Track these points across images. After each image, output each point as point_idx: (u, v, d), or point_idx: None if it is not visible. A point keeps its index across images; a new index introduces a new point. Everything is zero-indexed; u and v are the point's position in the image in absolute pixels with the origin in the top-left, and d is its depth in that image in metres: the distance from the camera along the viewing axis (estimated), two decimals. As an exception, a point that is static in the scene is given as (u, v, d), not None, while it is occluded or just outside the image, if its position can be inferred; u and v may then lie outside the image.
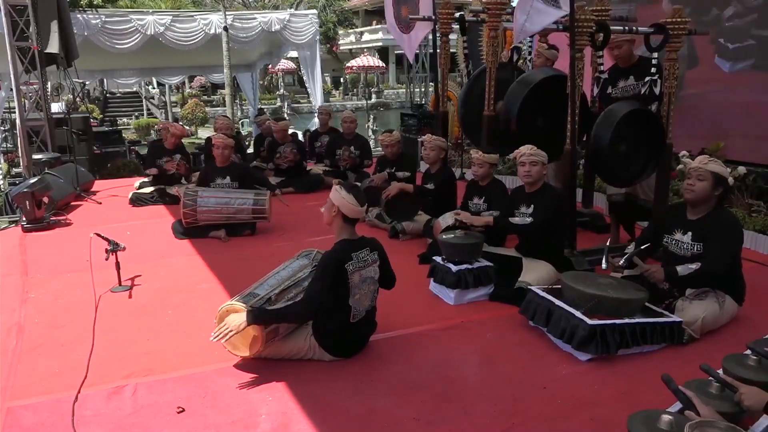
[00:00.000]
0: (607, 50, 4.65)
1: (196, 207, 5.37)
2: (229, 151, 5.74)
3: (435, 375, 3.05)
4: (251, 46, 12.73)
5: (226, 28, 11.84)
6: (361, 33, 38.53)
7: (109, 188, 7.93)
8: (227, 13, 12.22)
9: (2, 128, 12.31)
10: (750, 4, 6.20)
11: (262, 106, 21.88)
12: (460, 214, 4.41)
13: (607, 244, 3.77)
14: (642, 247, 3.53)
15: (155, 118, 24.71)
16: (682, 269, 3.34)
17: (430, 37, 6.83)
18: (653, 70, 4.40)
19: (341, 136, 7.71)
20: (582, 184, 5.20)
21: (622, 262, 3.46)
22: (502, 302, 3.90)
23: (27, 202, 5.85)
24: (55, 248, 5.37)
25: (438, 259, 4.12)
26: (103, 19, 10.46)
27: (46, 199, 6.06)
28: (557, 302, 3.34)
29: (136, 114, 26.67)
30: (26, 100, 8.06)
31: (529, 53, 5.72)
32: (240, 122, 20.24)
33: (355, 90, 36.06)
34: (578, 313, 3.16)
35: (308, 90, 14.02)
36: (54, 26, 7.92)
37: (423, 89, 15.40)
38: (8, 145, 11.68)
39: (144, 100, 27.78)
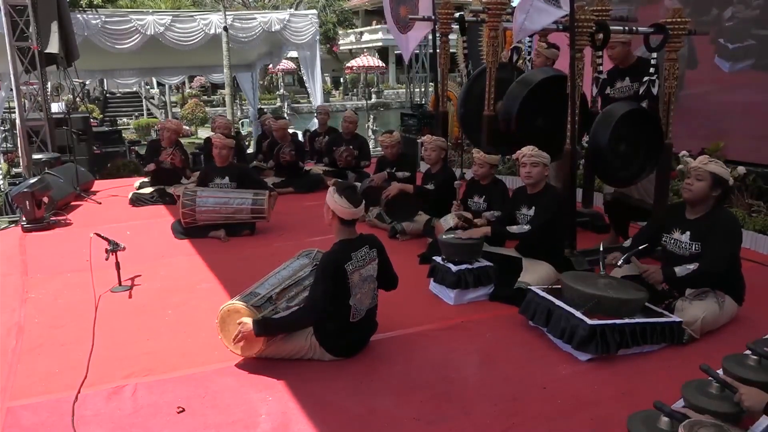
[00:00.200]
0: (607, 50, 4.65)
1: (195, 207, 5.37)
2: (227, 151, 5.73)
3: (435, 375, 3.05)
4: (251, 46, 12.72)
5: (226, 28, 11.83)
6: (361, 33, 38.54)
7: (109, 188, 7.92)
8: (227, 13, 12.20)
9: (2, 128, 12.31)
10: (750, 4, 6.20)
11: (262, 106, 21.90)
12: (460, 214, 4.40)
13: (601, 245, 3.76)
14: (640, 247, 3.52)
15: (155, 118, 24.73)
16: (680, 270, 3.34)
17: (430, 37, 6.83)
18: (651, 70, 4.40)
19: (340, 135, 7.71)
20: (582, 184, 5.20)
21: (620, 262, 3.46)
22: (502, 302, 3.90)
23: (27, 202, 5.85)
24: (55, 248, 5.37)
25: (438, 259, 4.12)
26: (103, 19, 10.46)
27: (46, 199, 6.05)
28: (557, 302, 3.34)
29: (136, 114, 26.68)
30: (26, 100, 8.06)
31: (529, 53, 5.71)
32: (240, 122, 20.23)
33: (355, 90, 36.07)
34: (578, 313, 3.17)
35: (308, 90, 14.01)
36: (54, 26, 7.93)
37: (423, 89, 15.39)
38: (8, 145, 11.68)
39: (144, 100, 27.79)
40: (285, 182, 7.33)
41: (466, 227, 4.30)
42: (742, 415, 2.26)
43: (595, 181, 5.31)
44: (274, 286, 3.20)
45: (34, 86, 8.01)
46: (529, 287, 3.68)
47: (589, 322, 3.10)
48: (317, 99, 13.07)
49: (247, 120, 20.23)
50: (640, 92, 4.52)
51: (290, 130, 7.92)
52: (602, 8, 4.69)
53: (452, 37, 5.80)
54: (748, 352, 2.57)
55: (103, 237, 4.24)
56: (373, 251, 3.19)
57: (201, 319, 3.64)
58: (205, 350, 3.31)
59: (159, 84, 27.29)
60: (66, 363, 3.21)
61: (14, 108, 9.08)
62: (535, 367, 3.12)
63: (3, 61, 8.48)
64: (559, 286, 3.51)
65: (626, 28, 4.53)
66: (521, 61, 5.67)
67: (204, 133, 21.29)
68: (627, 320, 3.17)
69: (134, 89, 25.77)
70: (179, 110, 26.83)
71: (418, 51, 13.95)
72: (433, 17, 5.81)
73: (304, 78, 14.09)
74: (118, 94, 28.51)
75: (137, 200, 6.89)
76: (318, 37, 12.92)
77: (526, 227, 4.04)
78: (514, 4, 4.85)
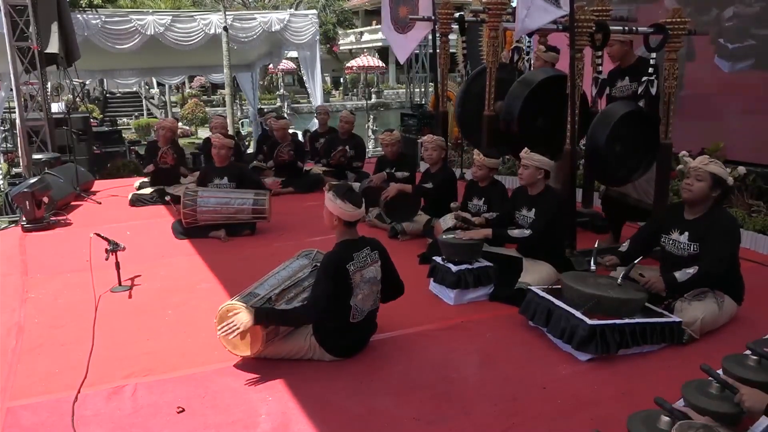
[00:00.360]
0: (606, 49, 4.65)
1: (196, 207, 5.37)
2: (226, 151, 5.72)
3: (435, 375, 3.05)
4: (251, 47, 12.71)
5: (226, 28, 11.83)
6: (361, 33, 38.54)
7: (109, 188, 7.92)
8: (227, 13, 12.20)
9: (2, 128, 12.31)
10: (750, 3, 6.20)
11: (262, 106, 21.89)
12: (459, 214, 4.40)
13: (596, 245, 3.76)
14: (635, 262, 3.47)
15: (155, 118, 24.70)
16: (680, 275, 3.33)
17: (430, 37, 6.83)
18: (650, 70, 4.41)
19: (337, 135, 7.71)
20: (582, 184, 5.20)
21: (619, 280, 3.41)
22: (502, 302, 3.90)
23: (27, 202, 5.85)
24: (55, 248, 5.37)
25: (438, 259, 4.11)
26: (103, 19, 10.45)
27: (46, 199, 6.05)
28: (557, 302, 3.34)
29: (136, 114, 26.68)
30: (26, 100, 8.06)
31: (528, 54, 5.72)
32: (240, 122, 20.23)
33: (355, 90, 36.08)
34: (578, 313, 3.16)
35: (308, 90, 14.00)
36: (54, 26, 7.93)
37: (423, 89, 15.40)
38: (8, 145, 11.68)
39: (144, 100, 27.79)
40: (285, 182, 7.34)
41: (465, 227, 4.30)
42: (742, 415, 2.26)
43: (595, 181, 5.32)
44: (274, 287, 3.20)
45: (34, 86, 8.01)
46: (529, 287, 3.68)
47: (589, 322, 3.10)
48: (317, 99, 13.06)
49: (247, 120, 20.23)
50: (638, 92, 4.53)
51: (290, 130, 7.92)
52: (602, 8, 4.70)
53: (452, 37, 5.81)
54: (748, 352, 2.57)
55: (103, 237, 4.24)
56: (374, 253, 3.20)
57: (201, 319, 3.64)
58: (205, 350, 3.31)
59: (159, 84, 27.29)
60: (66, 363, 3.21)
61: (14, 108, 9.08)
62: (535, 367, 3.12)
63: (3, 61, 8.48)
64: (559, 286, 3.51)
65: (626, 28, 4.53)
66: (520, 62, 5.67)
67: (204, 133, 21.29)
68: (627, 320, 3.17)
69: (134, 89, 25.76)
70: (179, 110, 26.84)
71: (418, 51, 13.95)
72: (433, 17, 5.82)
73: (304, 78, 14.09)
74: (118, 94, 28.51)
75: (137, 200, 6.90)
76: (318, 37, 12.92)
77: (527, 231, 4.03)
78: (514, 4, 4.85)
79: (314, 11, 14.37)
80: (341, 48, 38.43)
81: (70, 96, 9.93)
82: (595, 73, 4.79)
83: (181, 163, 7.18)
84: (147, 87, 28.09)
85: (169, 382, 3.00)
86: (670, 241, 3.50)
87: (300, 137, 10.58)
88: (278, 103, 28.89)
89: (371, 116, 18.74)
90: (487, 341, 3.43)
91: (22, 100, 8.00)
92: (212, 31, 11.59)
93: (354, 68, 30.55)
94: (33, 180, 6.11)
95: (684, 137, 5.74)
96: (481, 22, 5.56)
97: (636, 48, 4.76)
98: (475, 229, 4.27)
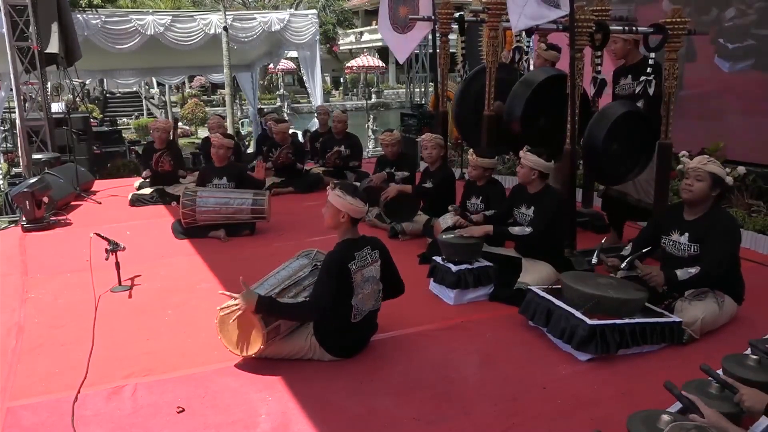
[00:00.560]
0: (607, 50, 4.65)
1: (195, 207, 5.37)
2: (224, 151, 5.73)
3: (435, 375, 3.05)
4: (251, 46, 12.71)
5: (226, 28, 11.83)
6: (361, 33, 38.54)
7: (109, 188, 7.92)
8: (227, 13, 12.20)
9: (2, 128, 12.31)
10: (750, 3, 6.20)
11: (262, 106, 21.89)
12: (458, 213, 4.41)
13: (602, 242, 3.76)
14: (644, 251, 3.50)
15: (155, 118, 24.71)
16: (681, 273, 3.33)
17: (430, 37, 6.83)
18: (649, 70, 4.41)
19: (333, 136, 7.70)
20: (582, 184, 5.20)
21: (623, 264, 3.44)
22: (502, 302, 3.90)
23: (27, 202, 5.85)
24: (55, 248, 5.37)
25: (438, 259, 4.11)
26: (103, 19, 10.45)
27: (46, 199, 6.05)
28: (557, 302, 3.34)
29: (136, 114, 26.67)
30: (26, 100, 8.06)
31: (526, 53, 5.71)
32: (240, 122, 20.24)
33: (354, 90, 36.08)
34: (578, 313, 3.16)
35: (308, 90, 14.00)
36: (54, 26, 7.92)
37: (423, 89, 15.39)
38: (8, 145, 11.68)
39: (144, 100, 27.77)
40: (285, 182, 7.33)
41: (464, 226, 4.30)
42: (742, 415, 2.26)
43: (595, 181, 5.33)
44: (274, 287, 3.19)
45: (34, 86, 8.01)
46: (529, 287, 3.68)
47: (589, 322, 3.10)
48: (317, 99, 13.06)
49: (247, 120, 20.23)
50: (636, 91, 4.53)
51: (290, 130, 7.92)
52: (602, 8, 4.69)
53: (452, 37, 5.81)
54: (748, 351, 2.57)
55: (103, 237, 4.24)
56: (375, 252, 3.20)
57: (201, 319, 3.64)
58: (205, 350, 3.31)
59: (159, 84, 27.27)
60: (66, 363, 3.21)
61: (14, 108, 9.08)
62: (535, 367, 3.12)
63: (3, 61, 8.48)
64: (559, 286, 3.51)
65: (626, 27, 4.53)
66: (519, 63, 5.67)
67: (204, 133, 21.28)
68: (627, 320, 3.17)
69: (134, 89, 25.74)
70: (179, 110, 26.82)
71: (417, 51, 13.94)
72: (433, 17, 5.82)
73: (304, 78, 14.09)
74: (118, 94, 28.51)
75: (137, 200, 6.90)
76: (318, 37, 12.92)
77: (528, 229, 4.03)
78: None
79: (314, 11, 14.36)
80: (341, 48, 38.43)
81: (70, 96, 9.95)
82: (594, 72, 4.79)
83: (178, 166, 7.18)
84: (147, 87, 28.07)
85: (169, 382, 3.00)
86: (671, 242, 3.50)
87: (300, 137, 10.59)
88: (278, 103, 28.89)
89: (371, 116, 18.74)
90: (487, 341, 3.43)
91: (22, 100, 7.99)
92: (212, 31, 11.60)
93: (354, 68, 30.56)
94: (33, 180, 6.11)
95: (684, 137, 5.75)
96: (481, 22, 5.55)
97: (641, 47, 4.75)
98: (475, 226, 4.27)
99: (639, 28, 4.46)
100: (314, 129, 9.56)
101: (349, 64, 31.26)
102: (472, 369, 3.18)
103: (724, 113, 6.51)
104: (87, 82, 17.79)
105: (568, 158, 4.44)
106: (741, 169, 5.52)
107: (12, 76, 7.84)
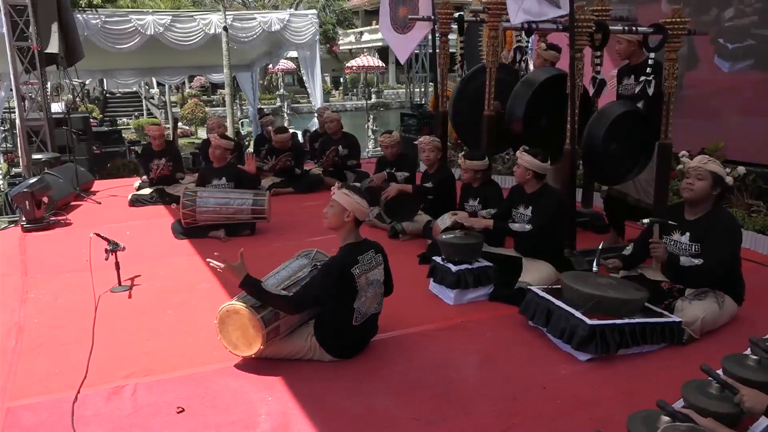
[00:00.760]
0: (607, 50, 4.64)
1: (196, 207, 5.37)
2: (221, 152, 5.73)
3: (435, 375, 3.05)
4: (251, 46, 12.71)
5: (225, 28, 11.83)
6: (361, 33, 38.54)
7: (109, 188, 7.92)
8: (227, 13, 12.20)
9: (2, 128, 12.31)
10: (750, 3, 6.20)
11: (262, 106, 21.88)
12: (457, 214, 4.41)
13: (600, 246, 3.76)
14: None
15: (155, 118, 24.71)
16: (684, 260, 3.36)
17: (430, 37, 6.83)
18: (648, 70, 4.40)
19: (330, 137, 7.68)
20: (582, 184, 5.20)
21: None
22: (502, 302, 3.90)
23: (27, 202, 5.85)
24: (54, 248, 5.37)
25: (438, 259, 4.11)
26: (103, 19, 10.45)
27: (45, 199, 6.05)
28: (557, 302, 3.34)
29: (136, 114, 26.66)
30: (26, 100, 8.06)
31: (525, 54, 5.71)
32: (240, 122, 20.23)
33: (354, 90, 36.07)
34: (578, 313, 3.16)
35: (308, 90, 14.00)
36: (54, 26, 7.92)
37: (423, 89, 15.40)
38: (8, 145, 11.68)
39: (144, 100, 27.77)
40: (284, 182, 7.33)
41: (464, 226, 4.29)
42: (742, 415, 2.26)
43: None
44: (274, 287, 3.19)
45: (34, 86, 8.01)
46: (529, 287, 3.68)
47: (589, 322, 3.10)
48: (317, 99, 13.06)
49: (247, 120, 20.22)
50: (636, 91, 4.53)
51: (290, 131, 7.89)
52: (602, 8, 4.69)
53: (452, 36, 5.81)
54: (748, 350, 2.57)
55: (102, 237, 4.24)
56: (378, 256, 3.20)
57: (201, 319, 3.64)
58: (205, 350, 3.31)
59: (159, 84, 27.25)
60: (66, 363, 3.21)
61: (14, 108, 9.08)
62: (535, 367, 3.12)
63: (3, 61, 8.48)
64: (559, 286, 3.51)
65: (626, 27, 4.53)
66: (517, 64, 5.66)
67: (204, 133, 21.27)
68: (627, 320, 3.17)
69: (134, 89, 25.72)
70: (179, 110, 26.81)
71: (417, 51, 13.95)
72: (432, 17, 5.82)
73: (304, 78, 14.08)
74: (118, 94, 28.49)
75: (136, 201, 6.90)
76: (318, 37, 12.92)
77: (528, 226, 4.04)
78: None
79: (314, 11, 14.36)
80: (341, 48, 38.43)
81: (70, 96, 9.94)
82: (593, 73, 4.79)
83: (177, 168, 7.18)
84: (147, 87, 28.06)
85: (169, 382, 3.00)
86: (672, 242, 3.50)
87: (300, 137, 10.58)
88: (278, 103, 28.87)
89: (371, 116, 18.73)
90: (487, 341, 3.43)
91: (22, 100, 7.99)
92: (212, 31, 11.59)
93: (354, 68, 30.54)
94: (33, 180, 6.11)
95: (684, 137, 5.75)
96: (481, 22, 5.56)
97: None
98: (476, 218, 4.27)
99: (639, 28, 4.45)
100: (314, 129, 9.55)
101: (349, 64, 31.25)
102: (472, 369, 3.18)
103: (724, 113, 6.51)
104: (87, 82, 17.78)
105: (568, 158, 4.44)
106: (741, 169, 5.52)
107: (12, 76, 7.84)
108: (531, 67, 6.19)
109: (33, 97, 8.09)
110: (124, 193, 7.36)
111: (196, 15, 12.04)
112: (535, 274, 3.95)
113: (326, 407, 2.76)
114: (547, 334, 3.38)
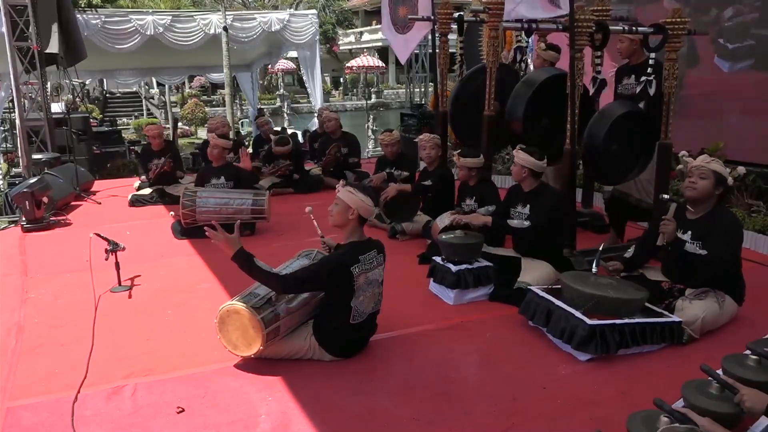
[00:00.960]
0: (607, 50, 4.64)
1: (195, 207, 5.36)
2: (218, 151, 5.74)
3: (435, 375, 3.05)
4: (251, 46, 12.72)
5: (225, 28, 11.83)
6: (361, 33, 38.55)
7: (109, 188, 7.92)
8: (227, 13, 12.21)
9: (2, 128, 12.31)
10: (750, 3, 6.20)
11: (262, 106, 21.87)
12: (456, 213, 4.41)
13: (600, 248, 3.76)
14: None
15: (155, 118, 24.71)
16: (689, 246, 3.38)
17: (430, 37, 6.83)
18: (649, 70, 4.40)
19: (329, 136, 7.67)
20: (582, 184, 5.19)
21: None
22: (502, 302, 3.90)
23: (27, 202, 5.85)
24: (54, 248, 5.37)
25: (438, 259, 4.11)
26: (103, 19, 10.46)
27: (45, 199, 6.05)
28: (557, 302, 3.34)
29: (136, 114, 26.67)
30: (26, 100, 8.06)
31: (524, 54, 5.71)
32: (240, 122, 20.23)
33: (354, 90, 36.07)
34: (578, 313, 3.16)
35: (308, 90, 14.00)
36: (54, 26, 7.92)
37: (423, 89, 15.39)
38: (8, 145, 11.68)
39: (144, 100, 27.77)
40: (284, 183, 7.33)
41: (463, 226, 4.29)
42: (743, 415, 2.26)
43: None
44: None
45: (34, 86, 8.01)
46: (528, 287, 3.68)
47: (589, 322, 3.10)
48: (317, 99, 13.07)
49: (247, 120, 20.22)
50: (637, 92, 4.53)
51: (290, 131, 7.89)
52: (602, 8, 4.69)
53: (452, 36, 5.81)
54: (747, 351, 2.57)
55: (102, 237, 4.24)
56: (380, 256, 3.19)
57: (201, 319, 3.64)
58: (205, 350, 3.31)
59: (159, 84, 27.26)
60: (66, 363, 3.21)
61: (14, 108, 9.08)
62: (535, 367, 3.12)
63: (3, 61, 8.48)
64: (559, 286, 3.51)
65: (626, 27, 4.53)
66: (517, 64, 5.66)
67: (204, 133, 21.27)
68: (627, 320, 3.17)
69: (134, 89, 25.72)
70: (179, 110, 26.81)
71: (417, 51, 13.94)
72: (432, 17, 5.82)
73: (304, 78, 14.09)
74: (118, 94, 28.48)
75: (136, 201, 6.90)
76: (318, 37, 12.92)
77: (526, 223, 4.04)
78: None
79: (314, 11, 14.37)
80: (341, 48, 38.42)
81: (70, 96, 9.94)
82: (594, 73, 4.79)
83: (177, 167, 7.18)
84: (147, 87, 28.06)
85: (169, 382, 3.00)
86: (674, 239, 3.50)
87: (300, 137, 10.57)
88: (278, 103, 28.87)
89: (371, 116, 18.73)
90: (487, 341, 3.43)
91: (22, 100, 7.99)
92: (212, 31, 11.60)
93: (354, 68, 30.53)
94: (33, 180, 6.12)
95: (684, 137, 5.74)
96: (481, 22, 5.55)
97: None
98: (474, 214, 4.27)
99: (639, 28, 4.45)
100: (314, 129, 9.54)
101: (348, 64, 31.23)
102: (472, 369, 3.18)
103: (724, 113, 6.51)
104: (87, 82, 17.82)
105: (568, 158, 4.44)
106: (741, 169, 5.52)
107: (12, 76, 7.84)
108: (531, 67, 6.20)
109: (33, 97, 8.09)
110: (124, 193, 7.36)
111: (196, 15, 12.05)
112: (534, 274, 3.95)
113: (326, 407, 2.76)
114: (547, 334, 3.38)
